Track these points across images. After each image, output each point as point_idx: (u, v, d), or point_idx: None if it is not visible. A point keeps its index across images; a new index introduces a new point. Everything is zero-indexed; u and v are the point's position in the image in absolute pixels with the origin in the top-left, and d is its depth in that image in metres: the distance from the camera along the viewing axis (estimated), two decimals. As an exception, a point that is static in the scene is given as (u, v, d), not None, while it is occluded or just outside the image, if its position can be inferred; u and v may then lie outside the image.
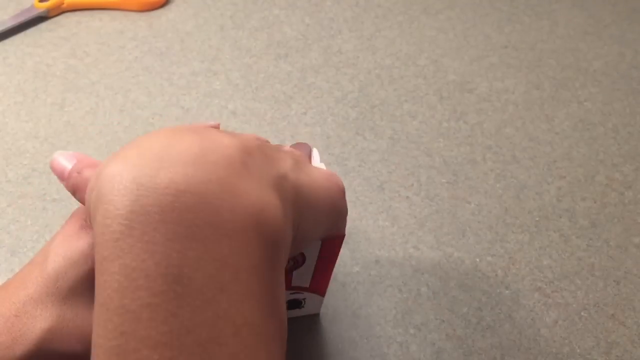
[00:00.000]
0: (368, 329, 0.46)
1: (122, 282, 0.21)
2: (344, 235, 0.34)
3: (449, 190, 0.56)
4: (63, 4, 0.77)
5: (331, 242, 0.34)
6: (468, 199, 0.56)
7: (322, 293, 0.42)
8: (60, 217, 0.54)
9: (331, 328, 0.46)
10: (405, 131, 0.62)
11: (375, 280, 0.49)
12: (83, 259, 0.29)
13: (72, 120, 0.64)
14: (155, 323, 0.20)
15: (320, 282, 0.40)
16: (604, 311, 0.48)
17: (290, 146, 0.36)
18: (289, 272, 0.37)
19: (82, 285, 0.29)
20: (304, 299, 0.42)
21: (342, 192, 0.31)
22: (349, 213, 0.54)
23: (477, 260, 0.51)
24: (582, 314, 0.48)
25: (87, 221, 0.30)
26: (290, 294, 0.40)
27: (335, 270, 0.50)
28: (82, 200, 0.30)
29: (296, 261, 0.36)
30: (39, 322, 0.28)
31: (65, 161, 0.31)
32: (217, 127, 0.36)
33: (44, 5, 0.76)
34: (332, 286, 0.49)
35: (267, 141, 0.31)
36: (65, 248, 0.29)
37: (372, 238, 0.53)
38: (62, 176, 0.31)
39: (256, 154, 0.26)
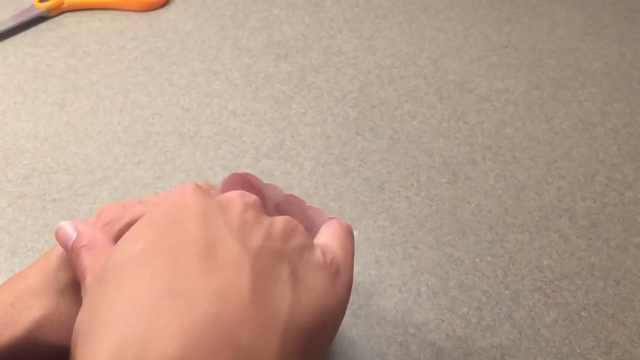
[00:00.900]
0: (368, 329, 0.46)
1: None
2: None
3: (449, 190, 0.56)
4: (63, 4, 0.77)
5: None
6: (468, 199, 0.56)
7: None
8: (60, 217, 0.54)
9: (331, 328, 0.46)
10: (405, 131, 0.62)
11: (375, 280, 0.49)
12: None
13: (72, 120, 0.64)
14: None
15: None
16: (604, 311, 0.48)
17: (266, 184, 0.34)
18: None
19: None
20: None
21: (349, 285, 0.27)
22: (349, 213, 0.54)
23: (477, 260, 0.51)
24: (582, 314, 0.48)
25: (96, 221, 0.30)
26: None
27: (335, 270, 0.51)
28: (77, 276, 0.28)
29: None
30: (32, 311, 0.28)
31: (71, 230, 0.29)
32: (207, 187, 0.33)
33: (44, 5, 0.76)
34: (332, 286, 0.50)
35: (257, 203, 0.27)
36: None
37: (372, 238, 0.53)
38: (66, 248, 0.29)
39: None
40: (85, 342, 0.21)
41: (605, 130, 0.62)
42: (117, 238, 0.29)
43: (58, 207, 0.55)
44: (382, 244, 0.52)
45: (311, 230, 0.34)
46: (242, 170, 0.58)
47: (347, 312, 0.47)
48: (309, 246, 0.27)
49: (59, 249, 0.30)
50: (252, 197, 0.27)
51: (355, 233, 0.53)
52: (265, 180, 0.56)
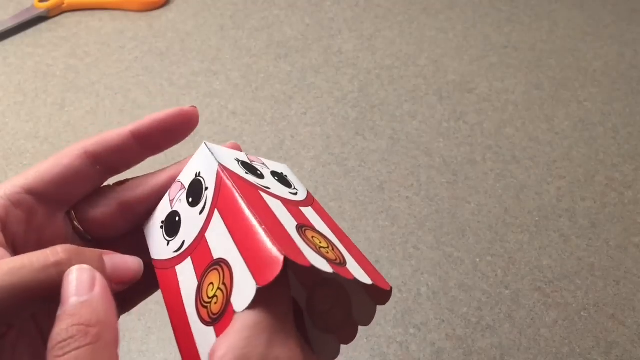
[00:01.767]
0: (368, 329, 0.46)
1: None
2: None
3: (449, 190, 0.56)
4: (63, 4, 0.77)
5: None
6: (468, 199, 0.56)
7: None
8: (61, 217, 0.54)
9: (331, 328, 0.46)
10: (405, 131, 0.62)
11: (375, 280, 0.49)
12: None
13: (72, 120, 0.64)
14: None
15: None
16: (604, 311, 0.48)
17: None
18: None
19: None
20: None
21: None
22: (349, 213, 0.54)
23: (477, 260, 0.51)
24: (582, 313, 0.48)
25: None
26: None
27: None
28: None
29: None
30: None
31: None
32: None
33: (44, 5, 0.76)
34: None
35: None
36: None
37: (372, 238, 0.53)
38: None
39: None
40: None
41: (605, 130, 0.62)
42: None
43: (58, 207, 0.55)
44: (382, 244, 0.52)
45: None
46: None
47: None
48: None
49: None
50: None
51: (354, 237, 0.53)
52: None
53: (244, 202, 0.24)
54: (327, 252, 0.24)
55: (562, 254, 0.51)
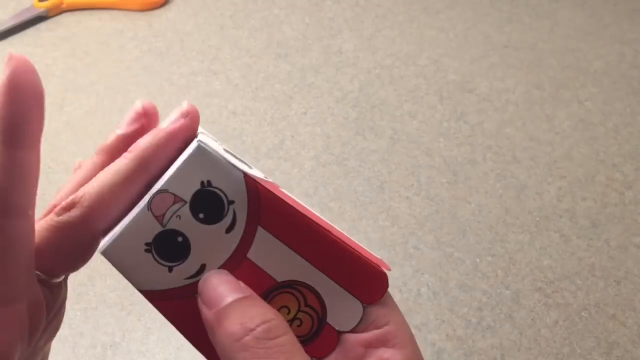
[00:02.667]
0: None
1: None
2: None
3: (449, 190, 0.56)
4: (62, 3, 0.77)
5: None
6: (468, 199, 0.56)
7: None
8: (60, 217, 0.54)
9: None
10: (406, 131, 0.62)
11: (375, 281, 0.49)
12: None
13: (72, 120, 0.63)
14: None
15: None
16: (605, 311, 0.48)
17: None
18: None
19: None
20: None
21: None
22: (349, 213, 0.54)
23: (478, 260, 0.51)
24: (583, 314, 0.47)
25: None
26: None
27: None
28: None
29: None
30: None
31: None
32: None
33: (44, 4, 0.76)
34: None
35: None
36: None
37: (372, 238, 0.52)
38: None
39: None
40: None
41: (605, 130, 0.62)
42: None
43: (58, 207, 0.55)
44: (382, 244, 0.52)
45: None
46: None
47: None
48: None
49: None
50: None
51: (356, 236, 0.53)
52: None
53: (307, 216, 0.21)
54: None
55: (563, 254, 0.51)
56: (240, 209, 0.22)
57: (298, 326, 0.22)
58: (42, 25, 0.76)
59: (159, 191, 0.22)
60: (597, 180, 0.57)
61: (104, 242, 0.22)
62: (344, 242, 0.22)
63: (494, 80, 0.68)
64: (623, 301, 0.48)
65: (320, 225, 0.22)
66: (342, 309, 0.22)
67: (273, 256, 0.22)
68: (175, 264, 0.22)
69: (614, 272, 0.50)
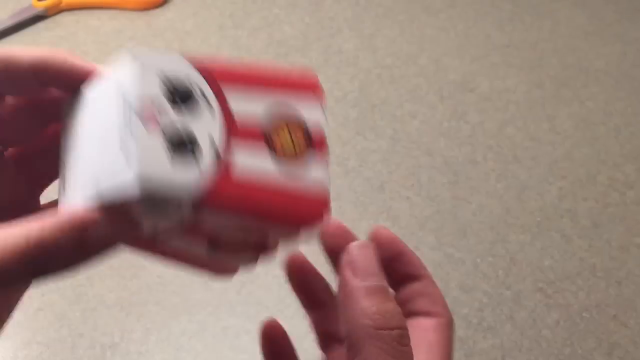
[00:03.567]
0: (368, 330, 0.46)
1: None
2: None
3: (450, 191, 0.56)
4: (61, 3, 0.77)
5: None
6: (469, 199, 0.55)
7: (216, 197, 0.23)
8: (59, 218, 0.54)
9: (331, 329, 0.46)
10: (406, 131, 0.62)
11: (375, 281, 0.49)
12: None
13: (71, 120, 0.63)
14: None
15: (240, 196, 0.23)
16: (606, 312, 0.47)
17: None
18: None
19: None
20: None
21: None
22: (349, 213, 0.54)
23: (478, 260, 0.51)
24: (584, 314, 0.47)
25: None
26: None
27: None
28: None
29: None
30: None
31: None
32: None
33: (42, 4, 0.75)
34: (333, 287, 0.49)
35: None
36: None
37: (373, 238, 0.52)
38: None
39: None
40: None
41: (607, 130, 0.62)
42: None
43: (56, 208, 0.54)
44: (383, 245, 0.52)
45: None
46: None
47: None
48: None
49: None
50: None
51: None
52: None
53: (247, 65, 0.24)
54: None
55: (564, 254, 0.51)
56: (205, 91, 0.22)
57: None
58: (41, 25, 0.76)
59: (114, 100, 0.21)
60: (599, 181, 0.57)
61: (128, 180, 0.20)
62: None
63: (495, 80, 0.68)
64: (624, 302, 0.48)
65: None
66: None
67: (248, 105, 0.23)
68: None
69: (615, 272, 0.50)
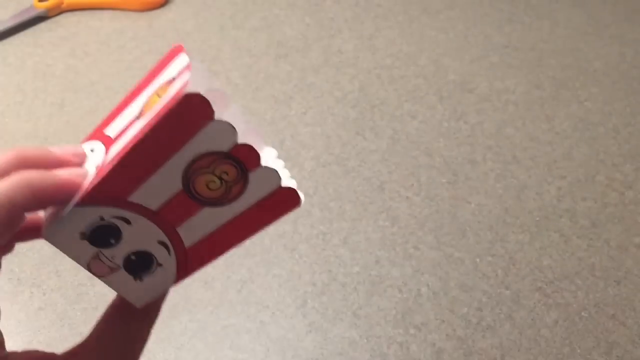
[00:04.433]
0: (368, 329, 0.46)
1: None
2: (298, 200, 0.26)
3: (449, 191, 0.56)
4: (62, 3, 0.77)
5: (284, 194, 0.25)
6: (468, 199, 0.56)
7: (188, 274, 0.26)
8: (60, 217, 0.54)
9: (331, 328, 0.46)
10: (406, 131, 0.62)
11: (375, 280, 0.49)
12: None
13: (72, 120, 0.63)
14: None
15: (209, 252, 0.26)
16: (605, 311, 0.48)
17: None
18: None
19: None
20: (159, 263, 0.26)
21: None
22: (349, 213, 0.54)
23: (478, 260, 0.51)
24: (583, 314, 0.47)
25: None
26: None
27: (335, 270, 0.50)
28: None
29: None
30: None
31: None
32: None
33: (44, 5, 0.76)
34: (333, 286, 0.49)
35: None
36: None
37: (372, 238, 0.52)
38: None
39: None
40: None
41: (605, 130, 0.62)
42: None
43: (58, 207, 0.55)
44: (382, 244, 0.52)
45: None
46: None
47: (347, 312, 0.47)
48: None
49: None
50: None
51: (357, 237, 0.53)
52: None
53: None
54: None
55: (563, 254, 0.51)
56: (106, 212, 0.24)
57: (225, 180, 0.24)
58: (42, 26, 0.76)
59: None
60: (597, 180, 0.57)
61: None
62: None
63: (494, 81, 0.68)
64: (623, 301, 0.48)
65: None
66: None
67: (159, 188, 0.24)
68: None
69: (614, 272, 0.50)
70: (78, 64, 0.71)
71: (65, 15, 0.77)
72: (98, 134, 0.26)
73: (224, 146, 0.23)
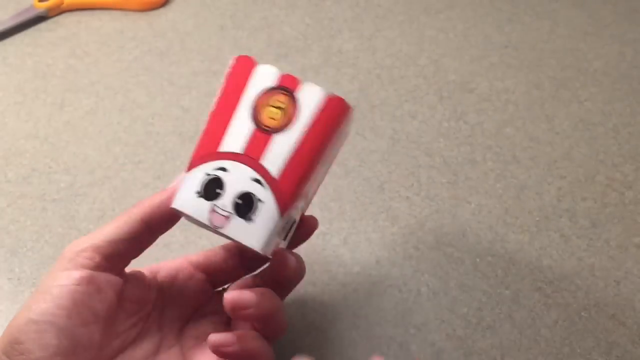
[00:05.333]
0: (368, 329, 0.46)
1: None
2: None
3: (449, 190, 0.56)
4: (62, 3, 0.77)
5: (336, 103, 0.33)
6: (468, 199, 0.56)
7: (287, 202, 0.31)
8: (60, 217, 0.54)
9: (331, 328, 0.46)
10: (406, 131, 0.62)
11: (375, 280, 0.49)
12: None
13: (72, 120, 0.63)
14: None
15: (293, 174, 0.31)
16: (605, 311, 0.48)
17: None
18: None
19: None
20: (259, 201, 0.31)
21: None
22: (349, 213, 0.54)
23: (477, 260, 0.51)
24: (583, 314, 0.47)
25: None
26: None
27: (335, 270, 0.50)
28: None
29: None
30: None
31: None
32: None
33: (44, 5, 0.76)
34: (332, 286, 0.49)
35: None
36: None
37: (372, 238, 0.52)
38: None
39: None
40: None
41: (605, 130, 0.62)
42: None
43: (58, 207, 0.55)
44: (382, 244, 0.52)
45: None
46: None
47: (347, 312, 0.47)
48: None
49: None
50: None
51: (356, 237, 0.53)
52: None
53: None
54: None
55: (563, 254, 0.51)
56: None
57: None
58: (42, 26, 0.76)
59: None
60: (597, 180, 0.57)
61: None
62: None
63: (494, 80, 0.68)
64: (623, 301, 0.48)
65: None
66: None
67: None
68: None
69: (614, 272, 0.50)
70: (78, 63, 0.71)
71: (65, 15, 0.77)
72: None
73: (271, 82, 0.32)
